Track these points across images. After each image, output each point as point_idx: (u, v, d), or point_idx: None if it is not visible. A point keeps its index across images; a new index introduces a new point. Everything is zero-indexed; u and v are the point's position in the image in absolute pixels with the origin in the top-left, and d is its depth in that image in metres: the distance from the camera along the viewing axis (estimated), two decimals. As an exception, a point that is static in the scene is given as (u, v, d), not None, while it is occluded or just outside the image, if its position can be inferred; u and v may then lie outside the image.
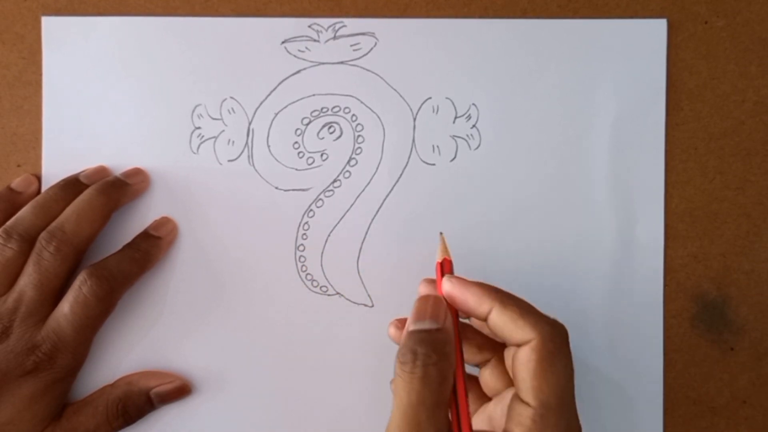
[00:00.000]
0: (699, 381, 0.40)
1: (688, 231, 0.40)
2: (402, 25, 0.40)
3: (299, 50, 0.40)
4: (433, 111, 0.40)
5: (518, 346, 0.30)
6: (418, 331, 0.30)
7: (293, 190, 0.40)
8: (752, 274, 0.40)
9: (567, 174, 0.40)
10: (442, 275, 0.32)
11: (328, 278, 0.40)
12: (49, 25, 0.40)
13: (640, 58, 0.40)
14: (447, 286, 0.32)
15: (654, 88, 0.40)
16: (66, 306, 0.35)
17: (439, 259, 0.33)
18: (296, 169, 0.40)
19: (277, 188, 0.40)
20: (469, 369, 0.33)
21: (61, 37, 0.40)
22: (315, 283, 0.39)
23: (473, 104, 0.40)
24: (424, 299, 0.32)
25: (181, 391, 0.38)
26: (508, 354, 0.32)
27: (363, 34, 0.40)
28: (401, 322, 0.34)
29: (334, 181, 0.40)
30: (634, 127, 0.40)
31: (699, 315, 0.40)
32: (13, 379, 0.35)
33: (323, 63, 0.40)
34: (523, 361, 0.29)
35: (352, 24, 0.40)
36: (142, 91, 0.40)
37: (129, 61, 0.40)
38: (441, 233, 0.34)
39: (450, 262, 0.33)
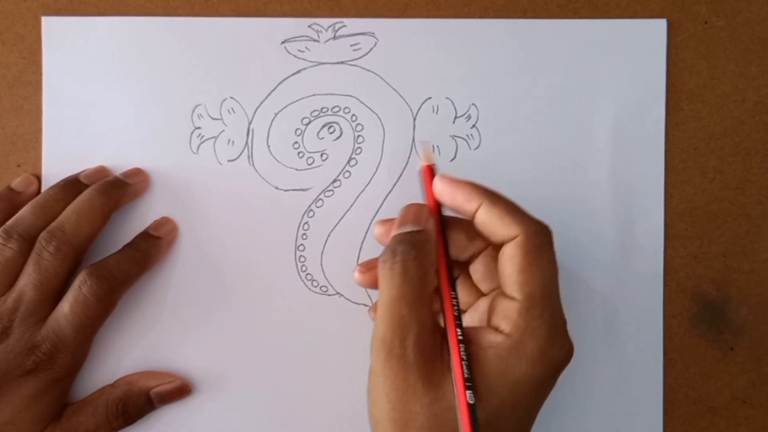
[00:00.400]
0: (699, 381, 0.40)
1: (688, 231, 0.40)
2: (402, 25, 0.40)
3: (299, 50, 0.40)
4: (433, 111, 0.40)
5: (504, 243, 0.31)
6: (400, 233, 0.31)
7: (293, 190, 0.40)
8: (752, 274, 0.40)
9: (567, 174, 0.40)
10: (431, 177, 0.33)
11: (328, 278, 0.40)
12: (49, 25, 0.40)
13: (640, 58, 0.40)
14: (438, 184, 0.32)
15: (654, 88, 0.40)
16: (66, 306, 0.35)
17: (425, 162, 0.34)
18: (296, 169, 0.40)
19: (277, 188, 0.40)
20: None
21: (61, 37, 0.40)
22: (315, 283, 0.39)
23: (473, 104, 0.40)
24: (407, 208, 0.33)
25: (181, 391, 0.38)
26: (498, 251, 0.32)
27: (363, 34, 0.40)
28: (386, 221, 0.34)
29: (334, 181, 0.40)
30: (634, 127, 0.40)
31: (699, 315, 0.40)
32: (13, 379, 0.35)
33: (323, 63, 0.40)
34: (509, 256, 0.30)
35: (352, 24, 0.40)
36: (142, 91, 0.40)
37: (129, 61, 0.40)
38: (423, 142, 0.35)
39: (434, 167, 0.34)
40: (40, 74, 0.40)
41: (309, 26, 0.40)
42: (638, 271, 0.40)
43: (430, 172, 0.33)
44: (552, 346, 0.30)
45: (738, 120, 0.40)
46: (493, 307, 0.31)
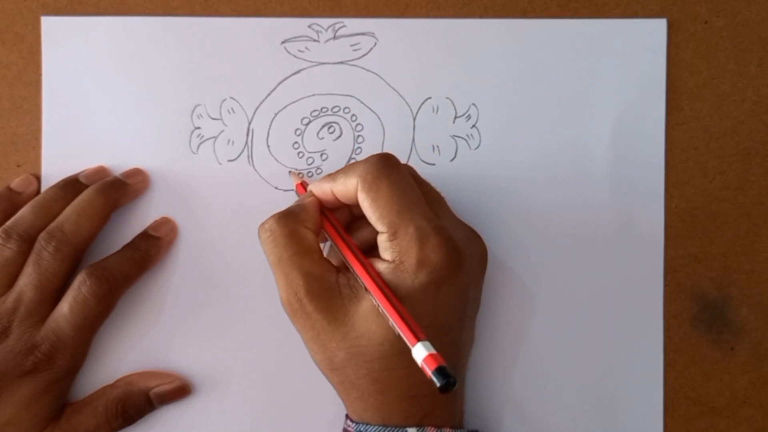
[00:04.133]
0: (699, 381, 0.40)
1: (688, 231, 0.40)
2: (402, 25, 0.40)
3: (299, 50, 0.40)
4: (433, 111, 0.40)
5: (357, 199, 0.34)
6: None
7: (293, 190, 0.40)
8: (752, 274, 0.40)
9: (567, 174, 0.40)
10: (303, 187, 0.38)
11: (328, 278, 0.39)
12: (49, 25, 0.40)
13: (640, 57, 0.40)
14: (315, 191, 0.36)
15: (654, 88, 0.40)
16: (65, 306, 0.35)
17: (297, 181, 0.38)
18: (296, 169, 0.40)
19: (277, 188, 0.40)
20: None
21: (61, 37, 0.40)
22: (315, 283, 0.39)
23: (473, 104, 0.40)
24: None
25: (181, 391, 0.38)
26: None
27: (363, 34, 0.40)
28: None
29: (334, 181, 0.40)
30: (634, 127, 0.40)
31: (699, 315, 0.40)
32: (13, 379, 0.35)
33: (323, 63, 0.40)
34: (361, 203, 0.33)
35: (352, 24, 0.40)
36: (142, 91, 0.40)
37: (129, 61, 0.40)
38: (289, 172, 0.40)
39: (305, 181, 0.38)
40: (40, 74, 0.40)
41: (309, 26, 0.40)
42: (638, 271, 0.40)
43: (302, 187, 0.38)
44: (426, 253, 0.32)
45: (738, 120, 0.40)
46: (378, 245, 0.34)
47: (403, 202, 0.33)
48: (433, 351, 0.29)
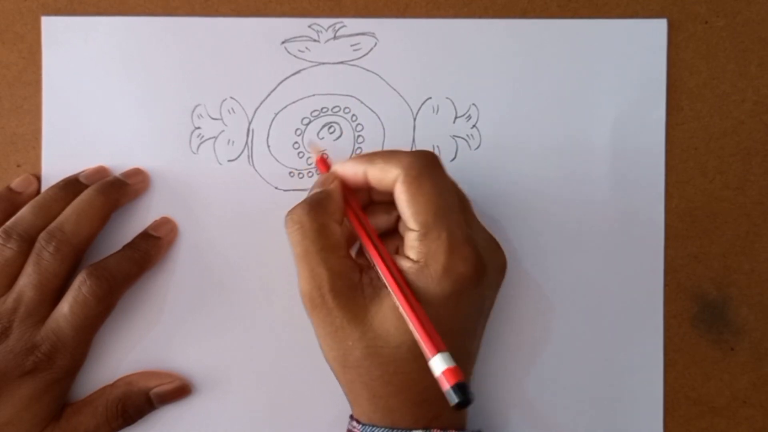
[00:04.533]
0: (699, 381, 0.40)
1: (688, 231, 0.40)
2: (402, 25, 0.40)
3: (299, 50, 0.40)
4: (433, 111, 0.40)
5: (393, 188, 0.33)
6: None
7: (293, 190, 0.40)
8: (752, 274, 0.40)
9: (567, 174, 0.40)
10: (324, 164, 0.37)
11: (328, 278, 0.39)
12: (49, 25, 0.40)
13: (640, 57, 0.40)
14: (339, 170, 0.35)
15: (654, 88, 0.40)
16: (65, 306, 0.35)
17: (317, 155, 0.38)
18: (296, 169, 0.40)
19: (277, 188, 0.40)
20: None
21: (61, 37, 0.40)
22: (315, 283, 0.39)
23: (473, 104, 0.40)
24: (318, 178, 0.36)
25: (181, 391, 0.38)
26: None
27: (363, 34, 0.40)
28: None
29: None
30: (635, 127, 0.40)
31: (699, 315, 0.40)
32: (13, 379, 0.35)
33: (323, 63, 0.40)
34: (398, 195, 0.33)
35: (352, 24, 0.40)
36: (142, 91, 0.40)
37: (129, 61, 0.40)
38: (310, 142, 0.39)
39: (325, 155, 0.38)
40: (40, 74, 0.40)
41: (309, 26, 0.40)
42: (638, 271, 0.40)
43: (323, 161, 0.38)
44: (454, 262, 0.32)
45: (738, 120, 0.40)
46: (404, 241, 0.34)
47: (441, 204, 0.33)
48: (453, 365, 0.29)
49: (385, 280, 0.32)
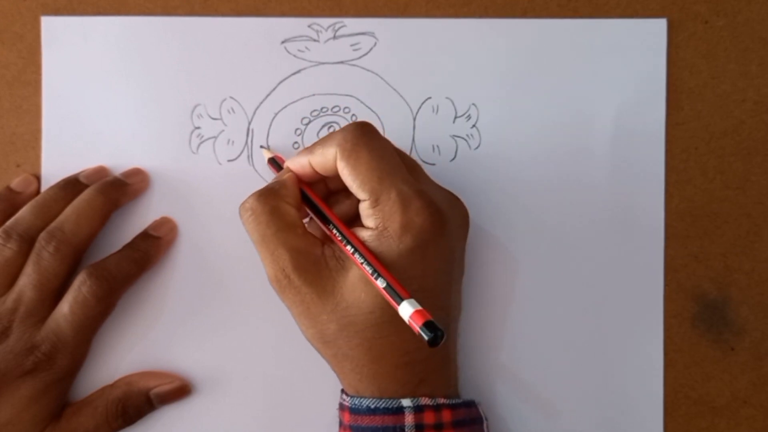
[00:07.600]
0: (699, 381, 0.40)
1: (688, 231, 0.40)
2: (402, 25, 0.40)
3: (299, 50, 0.40)
4: (433, 111, 0.40)
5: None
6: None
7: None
8: (752, 274, 0.40)
9: (567, 173, 0.40)
10: (275, 165, 0.38)
11: (328, 278, 0.39)
12: (49, 24, 0.40)
13: (640, 57, 0.40)
14: (291, 166, 0.35)
15: (654, 88, 0.40)
16: (65, 306, 0.35)
17: (269, 156, 0.38)
18: (296, 169, 0.40)
19: (276, 188, 0.40)
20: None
21: (61, 37, 0.40)
22: (315, 283, 0.39)
23: (473, 104, 0.40)
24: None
25: (181, 391, 0.38)
26: None
27: (363, 34, 0.40)
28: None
29: (334, 181, 0.40)
30: (634, 127, 0.40)
31: (699, 315, 0.40)
32: (13, 379, 0.35)
33: (323, 63, 0.40)
34: (341, 172, 0.33)
35: (352, 24, 0.40)
36: (141, 91, 0.40)
37: (128, 61, 0.40)
38: (260, 146, 0.40)
39: (278, 156, 0.38)
40: (40, 74, 0.40)
41: (309, 26, 0.40)
42: (638, 270, 0.40)
43: (273, 163, 0.38)
44: (410, 216, 0.32)
45: (738, 120, 0.40)
46: (360, 213, 0.34)
47: (383, 167, 0.33)
48: (419, 307, 0.30)
49: (343, 248, 0.33)
